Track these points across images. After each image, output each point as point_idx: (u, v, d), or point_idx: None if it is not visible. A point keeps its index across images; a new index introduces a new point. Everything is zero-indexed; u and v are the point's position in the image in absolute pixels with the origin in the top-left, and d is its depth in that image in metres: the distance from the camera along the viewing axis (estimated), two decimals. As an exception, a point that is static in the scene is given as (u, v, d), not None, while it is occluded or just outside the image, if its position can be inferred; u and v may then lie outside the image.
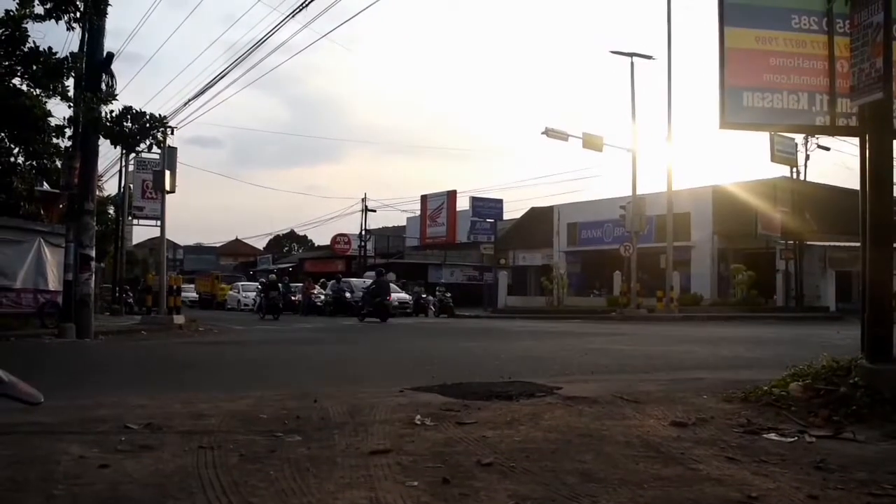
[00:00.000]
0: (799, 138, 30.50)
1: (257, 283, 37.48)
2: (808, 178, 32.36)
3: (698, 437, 4.10)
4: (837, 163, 70.20)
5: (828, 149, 31.37)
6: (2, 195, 16.96)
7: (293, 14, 17.28)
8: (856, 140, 5.63)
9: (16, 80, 14.70)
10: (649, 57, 29.72)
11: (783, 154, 30.10)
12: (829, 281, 30.58)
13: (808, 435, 4.12)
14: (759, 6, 5.52)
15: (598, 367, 8.04)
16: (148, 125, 14.50)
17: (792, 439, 4.04)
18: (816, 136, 28.13)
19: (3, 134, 15.50)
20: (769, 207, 30.59)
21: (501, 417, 4.69)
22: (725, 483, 3.16)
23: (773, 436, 4.12)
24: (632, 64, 29.57)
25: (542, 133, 29.99)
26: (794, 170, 31.63)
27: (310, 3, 16.35)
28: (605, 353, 10.80)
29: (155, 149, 17.82)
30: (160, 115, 15.45)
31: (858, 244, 5.31)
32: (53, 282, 16.64)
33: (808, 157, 31.57)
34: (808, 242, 31.20)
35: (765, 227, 30.38)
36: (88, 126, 14.47)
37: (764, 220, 30.36)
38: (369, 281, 34.73)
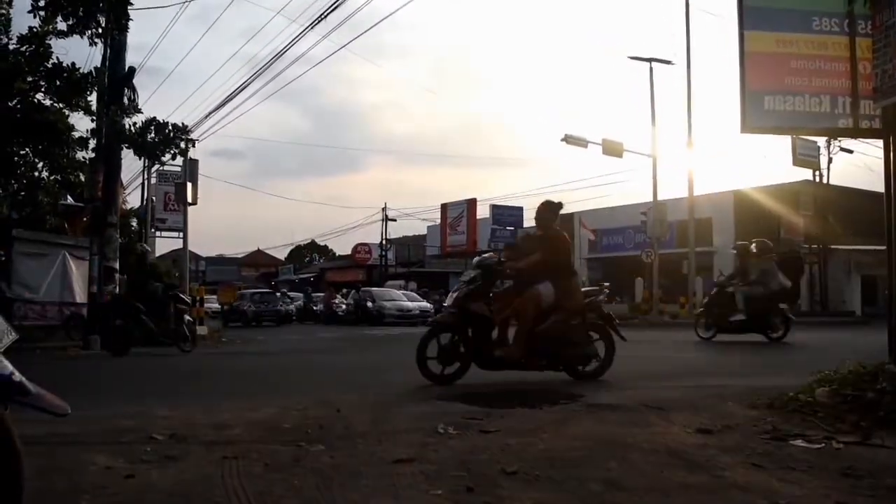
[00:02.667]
0: (821, 141, 30.22)
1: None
2: (830, 182, 32.03)
3: (724, 444, 4.06)
4: (860, 165, 69.27)
5: (851, 151, 31.00)
6: (27, 209, 17.17)
7: (312, 25, 17.39)
8: (880, 142, 5.58)
9: (39, 96, 14.90)
10: (668, 62, 29.55)
11: (805, 157, 29.84)
12: (855, 285, 30.24)
13: (836, 441, 4.07)
14: (779, 9, 5.49)
15: (621, 373, 7.97)
16: (171, 135, 14.62)
17: (819, 446, 3.99)
18: (839, 138, 27.86)
19: (27, 148, 15.70)
20: (792, 211, 30.32)
21: (525, 425, 4.68)
22: (752, 490, 3.13)
23: (799, 442, 4.08)
24: (651, 69, 29.43)
25: (562, 140, 29.91)
26: (817, 173, 31.33)
27: (328, 14, 16.48)
28: (628, 360, 10.71)
29: (177, 160, 17.96)
30: (182, 123, 15.58)
31: (884, 247, 5.25)
32: (79, 294, 16.80)
33: (830, 160, 31.26)
34: (833, 246, 30.86)
35: (788, 232, 30.09)
36: (112, 138, 14.63)
37: (787, 224, 30.08)
38: (392, 291, 34.69)
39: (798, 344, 13.37)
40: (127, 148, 15.28)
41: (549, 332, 7.26)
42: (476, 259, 7.95)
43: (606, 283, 9.06)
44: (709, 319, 14.42)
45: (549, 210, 7.89)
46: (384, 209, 53.02)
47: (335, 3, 16.19)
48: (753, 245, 14.49)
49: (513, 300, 7.40)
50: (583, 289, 8.09)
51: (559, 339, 7.31)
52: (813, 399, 4.99)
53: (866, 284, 29.82)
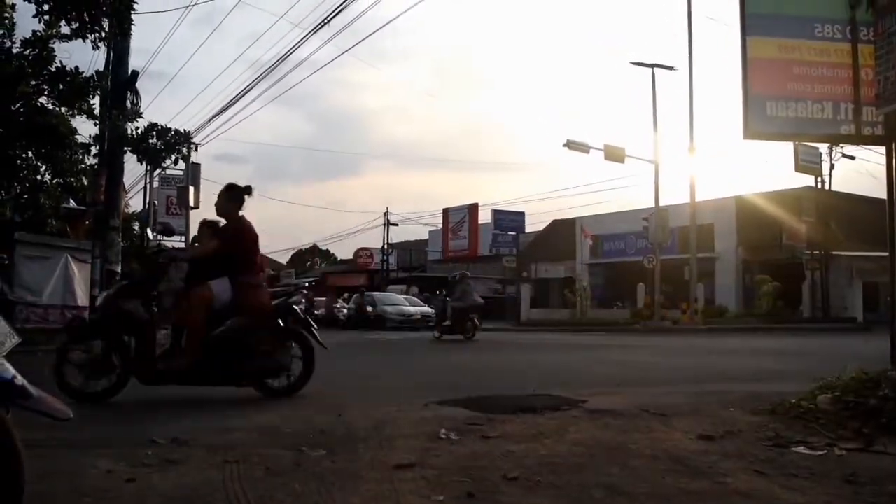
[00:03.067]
0: (823, 147, 30.21)
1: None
2: (832, 188, 32.01)
3: (726, 450, 4.05)
4: (863, 172, 69.35)
5: (853, 158, 30.99)
6: (29, 212, 17.20)
7: (315, 30, 17.48)
8: (882, 149, 5.58)
9: (42, 99, 14.93)
10: (670, 68, 29.64)
11: (807, 164, 29.83)
12: (856, 291, 30.18)
13: (838, 448, 4.06)
14: (782, 15, 5.50)
15: (623, 379, 7.97)
16: (173, 140, 14.66)
17: (821, 452, 3.98)
18: (841, 145, 27.86)
19: (30, 152, 15.73)
20: (794, 217, 30.31)
21: (526, 431, 4.67)
22: (754, 497, 3.12)
23: (801, 449, 4.07)
24: (653, 75, 29.51)
25: (564, 145, 29.97)
26: (819, 179, 31.32)
27: (331, 19, 16.53)
28: (630, 365, 10.73)
29: (179, 165, 18.02)
30: (185, 129, 15.63)
31: (886, 254, 5.25)
32: (81, 297, 16.81)
33: (832, 167, 31.25)
34: (835, 253, 30.82)
35: (790, 238, 30.09)
36: (115, 143, 14.65)
37: (789, 230, 30.07)
38: (394, 295, 34.67)
39: (800, 350, 13.36)
40: (131, 153, 15.32)
41: (225, 339, 6.29)
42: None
43: (309, 282, 8.28)
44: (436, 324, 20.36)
45: (229, 195, 6.69)
46: (386, 213, 53.12)
47: (337, 8, 16.28)
48: (458, 274, 20.48)
49: (182, 300, 6.44)
50: (277, 288, 7.33)
51: (239, 347, 6.33)
52: (815, 406, 4.98)
53: (868, 291, 29.77)
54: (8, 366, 2.42)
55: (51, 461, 3.66)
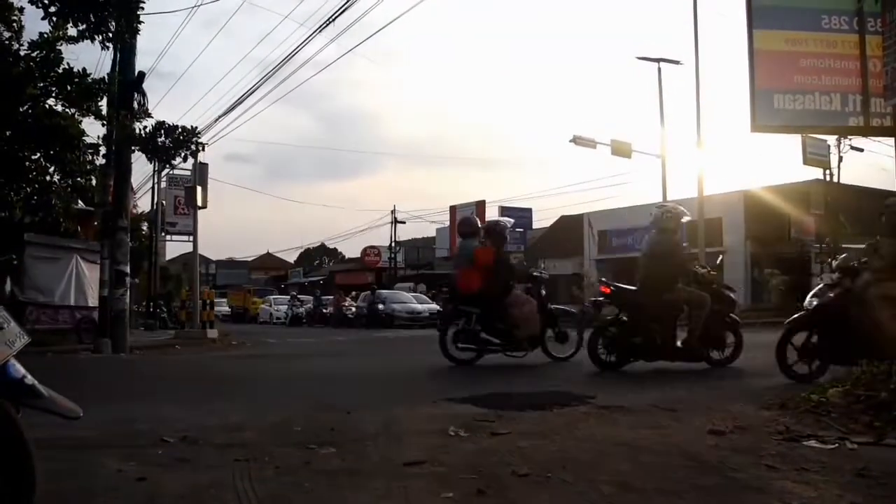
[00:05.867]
0: (831, 140, 30.04)
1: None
2: (841, 181, 31.82)
3: (736, 445, 4.04)
4: (872, 164, 68.89)
5: (861, 150, 30.76)
6: (40, 213, 17.25)
7: (320, 29, 17.49)
8: (891, 140, 5.55)
9: (51, 101, 14.98)
10: (676, 62, 29.47)
11: (815, 156, 29.66)
12: (866, 285, 29.99)
13: (850, 442, 4.04)
14: (788, 7, 5.47)
15: (633, 375, 7.95)
16: (182, 137, 14.67)
17: (833, 446, 3.96)
18: (850, 137, 27.71)
19: (39, 153, 15.78)
20: (802, 211, 30.15)
21: (536, 427, 4.66)
22: (765, 492, 3.11)
23: (813, 443, 4.05)
24: (659, 69, 29.37)
25: (570, 141, 29.91)
26: (828, 172, 31.15)
27: (337, 17, 16.52)
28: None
29: (187, 164, 18.04)
30: (192, 126, 15.64)
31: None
32: (90, 298, 16.87)
33: (841, 159, 31.03)
34: (844, 245, 30.65)
35: (798, 231, 29.94)
36: (122, 143, 14.69)
37: (797, 223, 29.93)
38: (403, 293, 34.51)
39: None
40: (140, 151, 15.35)
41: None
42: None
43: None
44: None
45: None
46: (393, 211, 53.05)
47: (343, 6, 16.26)
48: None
49: None
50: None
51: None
52: (826, 399, 4.96)
53: (878, 284, 29.58)
54: (19, 366, 2.43)
55: (62, 460, 3.68)
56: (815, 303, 7.25)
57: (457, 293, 9.78)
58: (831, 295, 7.04)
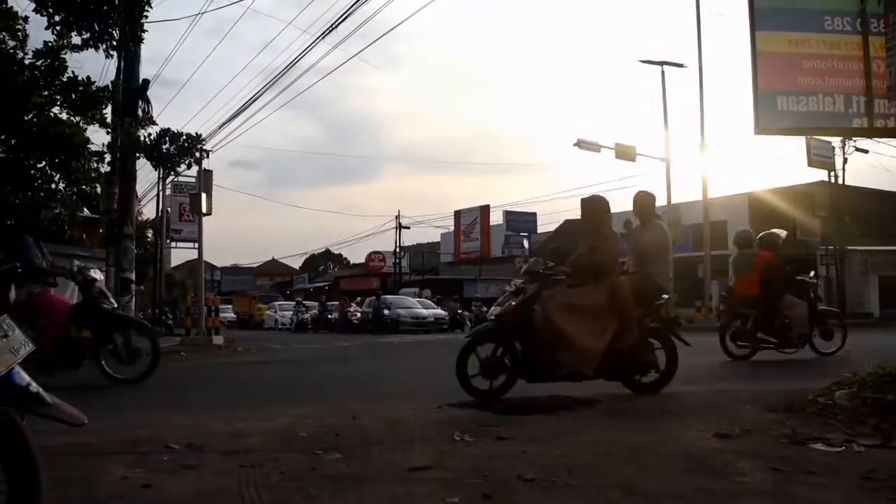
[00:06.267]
0: (836, 141, 30.01)
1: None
2: (846, 182, 31.78)
3: (742, 448, 4.02)
4: (877, 166, 68.76)
5: (866, 151, 30.72)
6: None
7: (323, 35, 17.50)
8: (895, 142, 5.54)
9: (55, 109, 15.01)
10: (680, 65, 29.51)
11: (820, 158, 29.64)
12: (872, 286, 29.96)
13: (856, 444, 4.03)
14: (791, 9, 5.46)
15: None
16: (186, 144, 14.73)
17: (839, 449, 3.95)
18: (854, 138, 27.66)
19: (44, 161, 15.82)
20: (808, 213, 30.13)
21: (541, 432, 4.66)
22: (772, 495, 3.10)
23: (819, 446, 4.03)
24: (662, 72, 29.40)
25: (574, 145, 29.92)
26: (832, 174, 31.11)
27: (340, 23, 16.55)
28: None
29: (192, 171, 18.08)
30: (197, 133, 15.68)
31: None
32: (96, 305, 16.87)
33: (845, 161, 31.01)
34: (850, 247, 30.60)
35: (804, 233, 29.90)
36: (127, 151, 14.73)
37: (802, 225, 29.89)
38: (408, 299, 34.51)
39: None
40: (145, 158, 15.39)
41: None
42: None
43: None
44: None
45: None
46: (398, 217, 53.15)
47: (345, 13, 16.30)
48: None
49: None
50: None
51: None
52: (832, 402, 4.95)
53: (884, 285, 29.56)
54: (23, 373, 2.43)
55: (67, 467, 3.68)
56: (497, 311, 6.87)
57: (734, 298, 10.94)
58: (513, 303, 6.54)
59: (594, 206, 6.96)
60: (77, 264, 9.03)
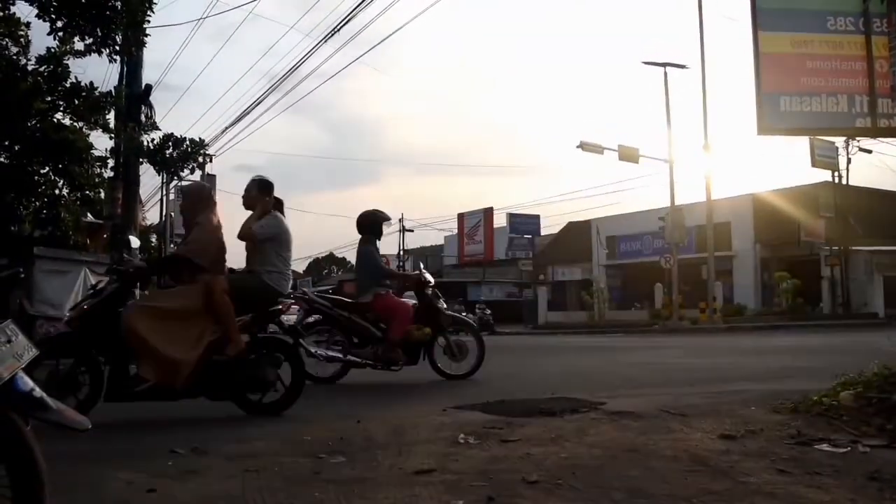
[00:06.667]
0: (839, 142, 29.99)
1: None
2: (850, 182, 31.74)
3: (747, 449, 4.01)
4: (880, 165, 68.70)
5: (870, 151, 30.75)
6: (49, 227, 17.34)
7: (325, 39, 17.60)
8: (899, 141, 5.53)
9: (59, 115, 15.07)
10: (682, 66, 29.54)
11: (824, 158, 29.65)
12: (877, 286, 29.89)
13: (862, 445, 4.01)
14: (793, 9, 5.46)
15: (643, 380, 7.93)
16: (189, 149, 14.79)
17: (845, 450, 3.93)
18: (857, 139, 27.64)
19: (48, 167, 15.87)
20: (811, 213, 30.09)
21: (546, 434, 4.65)
22: (777, 496, 3.09)
23: (825, 446, 4.02)
24: (665, 74, 29.43)
25: (577, 147, 29.94)
26: (836, 174, 31.08)
27: (341, 27, 16.60)
28: (649, 366, 10.66)
29: (196, 175, 18.13)
30: (199, 138, 15.76)
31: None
32: (100, 310, 16.89)
33: (849, 161, 31.00)
34: (854, 248, 30.54)
35: (808, 234, 29.87)
36: (130, 156, 14.77)
37: (807, 226, 29.86)
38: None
39: (821, 347, 13.23)
40: (148, 163, 15.44)
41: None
42: None
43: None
44: None
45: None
46: (401, 220, 53.18)
47: (346, 17, 16.35)
48: None
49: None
50: None
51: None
52: (837, 402, 4.93)
53: (889, 286, 29.47)
54: (27, 379, 2.43)
55: (72, 473, 3.68)
56: (69, 316, 6.00)
57: None
58: (85, 307, 5.71)
59: (192, 193, 6.47)
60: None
